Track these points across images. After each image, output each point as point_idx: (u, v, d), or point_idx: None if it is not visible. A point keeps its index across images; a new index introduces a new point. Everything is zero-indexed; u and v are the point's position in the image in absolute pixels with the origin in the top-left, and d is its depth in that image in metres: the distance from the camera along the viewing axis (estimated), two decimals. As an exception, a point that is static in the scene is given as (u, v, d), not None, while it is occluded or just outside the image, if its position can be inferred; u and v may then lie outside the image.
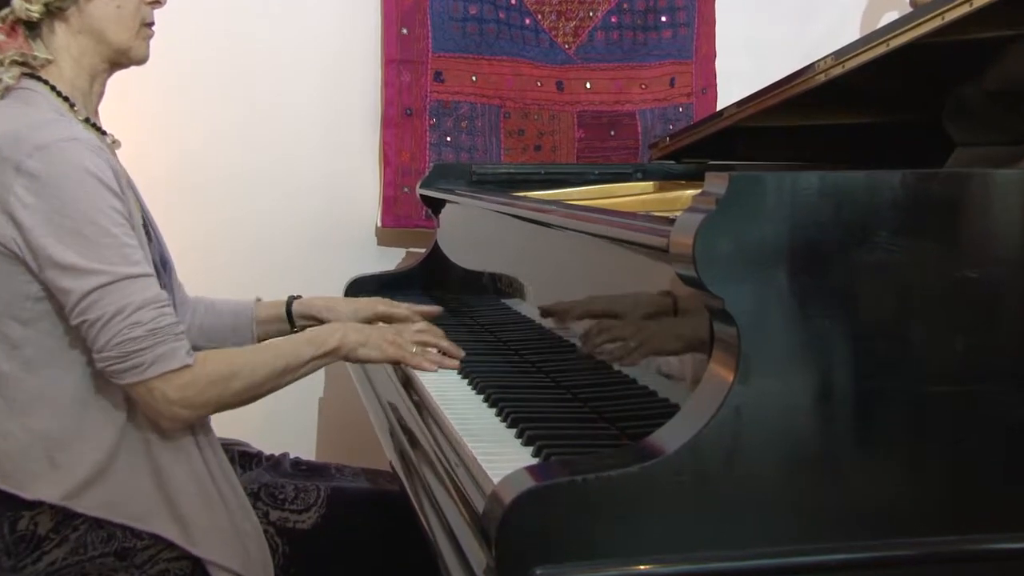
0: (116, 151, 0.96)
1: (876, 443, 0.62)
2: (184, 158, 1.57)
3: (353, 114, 1.68)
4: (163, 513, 0.86)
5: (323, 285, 1.38)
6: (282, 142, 1.65)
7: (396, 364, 0.98)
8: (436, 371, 0.94)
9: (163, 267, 0.95)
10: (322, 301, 1.15)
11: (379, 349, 0.93)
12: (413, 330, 0.97)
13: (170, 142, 1.56)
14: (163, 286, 0.90)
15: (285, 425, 1.56)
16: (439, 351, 0.95)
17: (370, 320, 1.09)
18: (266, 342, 0.93)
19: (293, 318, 1.13)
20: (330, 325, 0.97)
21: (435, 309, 1.10)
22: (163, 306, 0.83)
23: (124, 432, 0.86)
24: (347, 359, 0.93)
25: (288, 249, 1.66)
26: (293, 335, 0.94)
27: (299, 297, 1.15)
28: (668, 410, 0.67)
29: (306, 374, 0.91)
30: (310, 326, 1.14)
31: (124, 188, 0.86)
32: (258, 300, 1.14)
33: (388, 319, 1.07)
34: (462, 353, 0.96)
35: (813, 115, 1.19)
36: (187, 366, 0.82)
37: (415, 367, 0.95)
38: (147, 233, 0.94)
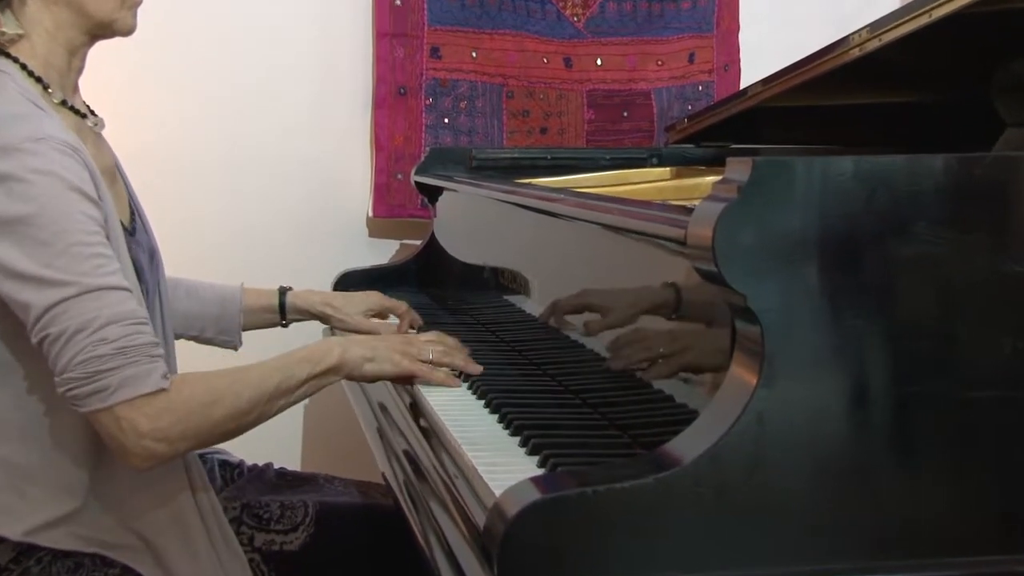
0: (101, 132, 0.93)
1: (915, 454, 0.62)
2: (158, 139, 1.58)
3: (341, 93, 1.68)
4: (140, 550, 0.85)
5: (309, 280, 1.38)
6: (264, 123, 1.65)
7: (410, 381, 0.94)
8: (460, 387, 0.92)
9: (150, 259, 0.93)
10: (319, 296, 1.13)
11: (390, 362, 0.90)
12: (424, 340, 0.94)
13: (142, 121, 1.56)
14: (145, 287, 0.88)
15: (268, 432, 1.56)
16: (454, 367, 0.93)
17: (377, 314, 1.08)
18: (253, 364, 0.88)
19: (286, 311, 1.13)
20: (328, 340, 0.94)
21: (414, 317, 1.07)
22: (137, 323, 0.78)
23: (97, 469, 0.83)
24: (351, 378, 0.90)
25: (270, 241, 1.67)
26: (286, 353, 0.89)
27: (291, 289, 1.14)
28: (685, 416, 0.67)
29: (301, 398, 0.86)
30: (303, 320, 1.15)
31: (101, 189, 0.83)
32: (243, 286, 1.13)
33: (390, 313, 1.05)
34: (480, 369, 0.94)
35: (847, 94, 1.19)
36: (162, 391, 0.77)
37: (436, 384, 0.92)
38: (135, 223, 0.92)
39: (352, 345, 0.90)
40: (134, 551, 0.85)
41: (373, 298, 1.14)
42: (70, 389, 0.77)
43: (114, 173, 0.94)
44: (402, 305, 1.13)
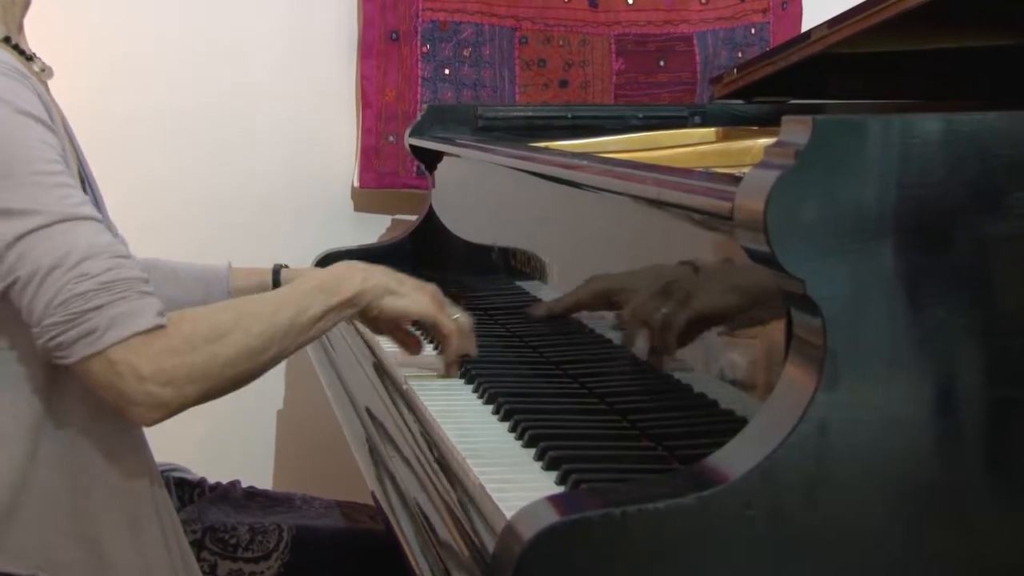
0: (47, 80, 0.94)
1: (1014, 472, 0.62)
2: (98, 93, 1.58)
3: (321, 39, 1.69)
4: (85, 568, 0.84)
5: (285, 260, 1.39)
6: (226, 75, 1.66)
7: (426, 328, 0.96)
8: (454, 376, 0.95)
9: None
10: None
11: (415, 301, 0.92)
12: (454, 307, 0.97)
13: (79, 72, 1.56)
14: None
15: (234, 444, 1.59)
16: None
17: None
18: (258, 296, 0.89)
19: None
20: (346, 264, 0.94)
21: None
22: (120, 256, 0.79)
23: (36, 457, 0.83)
24: (367, 313, 0.91)
25: (235, 216, 1.68)
26: (297, 281, 0.89)
27: (287, 267, 1.15)
28: (732, 425, 0.68)
29: (317, 335, 0.87)
30: None
31: (56, 122, 0.84)
32: (231, 266, 1.14)
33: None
34: (474, 351, 0.97)
35: (933, 36, 1.18)
36: (159, 327, 0.78)
37: (452, 348, 0.95)
38: (85, 193, 0.90)
39: (375, 273, 0.91)
40: (80, 570, 0.85)
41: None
42: (52, 337, 0.77)
43: (62, 124, 0.94)
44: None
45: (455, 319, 0.96)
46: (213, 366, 0.80)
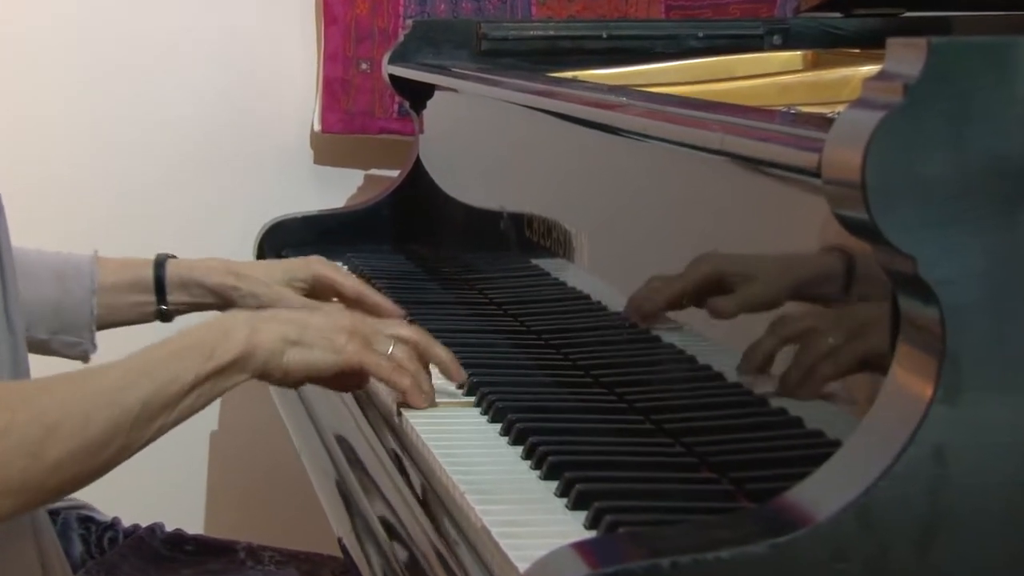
0: None
1: None
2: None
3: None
4: None
5: (219, 234, 1.41)
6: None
7: (358, 383, 0.93)
8: (425, 407, 0.91)
9: None
10: (220, 263, 1.11)
11: (329, 347, 0.85)
12: (381, 324, 0.91)
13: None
14: None
15: (156, 475, 1.60)
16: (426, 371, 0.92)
17: (308, 292, 1.07)
18: (107, 365, 0.83)
19: (166, 288, 1.10)
20: (226, 316, 0.91)
21: (393, 309, 1.05)
22: None
23: None
24: (267, 376, 0.86)
25: (157, 170, 1.70)
26: (159, 343, 0.83)
27: (173, 257, 1.12)
28: (819, 450, 0.69)
29: (188, 414, 0.82)
30: (195, 306, 1.12)
31: None
32: (97, 256, 1.11)
33: (335, 292, 1.05)
34: (464, 375, 0.94)
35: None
36: None
37: (399, 389, 0.91)
38: None
39: (266, 323, 0.86)
40: None
41: (312, 265, 1.10)
42: None
43: None
44: (351, 280, 1.09)
45: (389, 354, 0.89)
46: (34, 474, 0.76)
